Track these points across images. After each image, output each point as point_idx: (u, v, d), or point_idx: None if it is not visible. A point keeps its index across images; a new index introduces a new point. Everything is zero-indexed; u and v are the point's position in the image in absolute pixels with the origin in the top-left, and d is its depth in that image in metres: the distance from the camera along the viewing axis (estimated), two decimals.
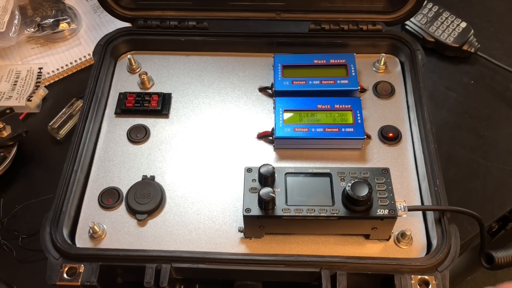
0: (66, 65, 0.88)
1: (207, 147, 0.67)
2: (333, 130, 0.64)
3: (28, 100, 0.82)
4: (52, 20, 0.90)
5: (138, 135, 0.68)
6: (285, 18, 0.75)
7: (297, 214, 0.54)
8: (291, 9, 0.75)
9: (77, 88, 0.83)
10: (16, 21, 0.88)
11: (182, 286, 0.60)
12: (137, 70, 0.75)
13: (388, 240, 0.58)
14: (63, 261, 0.56)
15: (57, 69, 0.88)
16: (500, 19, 0.93)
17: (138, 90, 0.73)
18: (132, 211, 0.61)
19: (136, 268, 0.55)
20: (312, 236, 0.59)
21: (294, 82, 0.69)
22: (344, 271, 0.54)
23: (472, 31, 0.86)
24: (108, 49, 0.74)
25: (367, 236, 0.58)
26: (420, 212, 0.61)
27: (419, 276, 0.54)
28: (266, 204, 0.54)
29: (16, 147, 0.75)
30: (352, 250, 0.58)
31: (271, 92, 0.71)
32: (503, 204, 0.72)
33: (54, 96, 0.85)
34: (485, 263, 0.60)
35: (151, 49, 0.77)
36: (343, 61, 0.71)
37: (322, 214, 0.54)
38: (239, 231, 0.59)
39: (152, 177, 0.64)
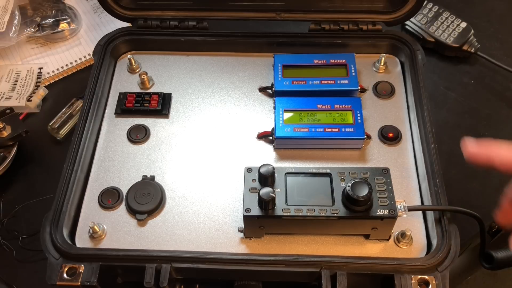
0: (66, 65, 0.88)
1: (207, 147, 0.67)
2: (333, 130, 0.64)
3: (28, 100, 0.82)
4: (52, 20, 0.90)
5: (138, 135, 0.68)
6: (285, 18, 0.75)
7: (297, 214, 0.54)
8: (291, 9, 0.75)
9: (77, 88, 0.83)
10: (16, 21, 0.88)
11: (182, 286, 0.60)
12: (137, 70, 0.75)
13: (388, 240, 0.58)
14: (63, 261, 0.56)
15: (57, 69, 0.88)
16: (500, 19, 0.93)
17: (138, 90, 0.73)
18: (132, 211, 0.61)
19: (136, 268, 0.55)
20: (312, 236, 0.59)
21: (294, 82, 0.69)
22: (344, 271, 0.54)
23: (472, 31, 0.87)
24: (108, 49, 0.74)
25: (367, 236, 0.58)
26: (420, 212, 0.61)
27: (419, 276, 0.54)
28: (266, 204, 0.54)
29: (16, 147, 0.75)
30: (352, 250, 0.58)
31: (271, 92, 0.71)
32: None
33: (54, 96, 0.85)
34: (485, 263, 0.60)
35: (151, 49, 0.77)
36: (343, 61, 0.71)
37: (322, 214, 0.54)
38: (239, 231, 0.59)
39: (152, 177, 0.64)
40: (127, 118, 0.70)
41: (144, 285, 0.54)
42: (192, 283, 0.61)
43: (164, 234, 0.60)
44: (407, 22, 0.88)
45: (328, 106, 0.66)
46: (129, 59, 0.74)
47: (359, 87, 0.68)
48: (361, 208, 0.54)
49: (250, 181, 0.57)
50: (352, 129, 0.64)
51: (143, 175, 0.64)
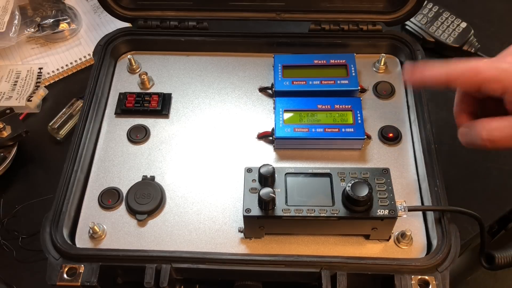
0: (66, 65, 0.88)
1: (207, 147, 0.67)
2: (333, 130, 0.64)
3: (28, 100, 0.82)
4: (52, 20, 0.90)
5: (138, 135, 0.68)
6: (285, 18, 0.75)
7: (297, 214, 0.54)
8: (291, 9, 0.75)
9: (77, 88, 0.83)
10: (16, 21, 0.88)
11: (182, 287, 0.60)
12: (137, 70, 0.75)
13: (388, 240, 0.58)
14: (63, 261, 0.56)
15: (57, 69, 0.88)
16: (500, 19, 0.93)
17: (138, 90, 0.73)
18: (132, 211, 0.61)
19: (136, 268, 0.55)
20: (312, 236, 0.59)
21: (294, 82, 0.69)
22: (344, 271, 0.54)
23: (472, 31, 0.86)
24: (108, 49, 0.74)
25: (367, 237, 0.58)
26: (420, 212, 0.61)
27: (419, 277, 0.54)
28: (266, 204, 0.54)
29: (16, 147, 0.75)
30: (352, 251, 0.58)
31: (271, 92, 0.71)
32: (503, 204, 0.72)
33: (54, 96, 0.85)
34: (485, 263, 0.60)
35: (151, 49, 0.77)
36: (343, 61, 0.71)
37: (322, 215, 0.54)
38: (239, 231, 0.59)
39: (152, 177, 0.64)
40: (127, 118, 0.70)
41: (144, 285, 0.54)
42: (192, 283, 0.61)
43: (164, 235, 0.60)
44: (407, 22, 0.88)
45: (328, 106, 0.66)
46: (129, 59, 0.74)
47: (359, 87, 0.68)
48: (361, 208, 0.54)
49: (250, 181, 0.57)
50: (352, 129, 0.64)
51: (143, 175, 0.64)
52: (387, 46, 0.75)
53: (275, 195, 0.54)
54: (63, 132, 0.79)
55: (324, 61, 0.71)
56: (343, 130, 0.64)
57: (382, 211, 0.54)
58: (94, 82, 0.70)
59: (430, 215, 0.59)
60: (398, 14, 0.73)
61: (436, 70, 0.54)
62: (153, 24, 0.76)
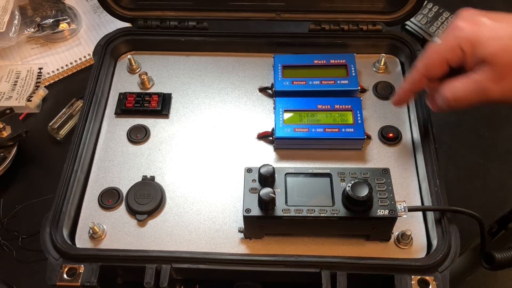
0: (66, 65, 0.88)
1: (207, 148, 0.67)
2: (333, 130, 0.64)
3: (28, 100, 0.82)
4: (52, 20, 0.90)
5: (138, 135, 0.68)
6: (285, 18, 0.75)
7: (297, 214, 0.54)
8: (291, 9, 0.75)
9: (77, 88, 0.83)
10: (16, 21, 0.88)
11: (182, 287, 0.60)
12: (137, 70, 0.75)
13: (388, 240, 0.58)
14: (63, 262, 0.56)
15: (57, 69, 0.88)
16: None
17: (138, 90, 0.73)
18: (132, 212, 0.61)
19: (136, 269, 0.55)
20: (312, 236, 0.59)
21: (294, 82, 0.69)
22: (344, 272, 0.54)
23: None
24: (108, 49, 0.74)
25: (367, 237, 0.58)
26: (420, 213, 0.61)
27: (419, 277, 0.54)
28: (266, 204, 0.54)
29: (16, 147, 0.75)
30: (352, 251, 0.58)
31: (271, 92, 0.71)
32: (503, 204, 0.72)
33: (54, 96, 0.85)
34: (485, 263, 0.60)
35: (151, 49, 0.77)
36: (343, 61, 0.71)
37: (322, 215, 0.54)
38: (239, 231, 0.59)
39: (152, 177, 0.64)
40: (127, 118, 0.70)
41: (144, 285, 0.54)
42: (192, 283, 0.61)
43: (164, 235, 0.60)
44: (407, 22, 0.88)
45: (328, 106, 0.66)
46: (129, 59, 0.74)
47: (359, 87, 0.68)
48: (361, 209, 0.54)
49: (250, 182, 0.57)
50: (352, 129, 0.64)
51: (143, 176, 0.64)
52: (387, 46, 0.75)
53: (275, 195, 0.54)
54: (63, 132, 0.79)
55: (324, 61, 0.71)
56: (343, 130, 0.64)
57: (382, 211, 0.54)
58: (94, 82, 0.70)
59: (430, 215, 0.59)
60: (398, 14, 0.73)
61: (410, 77, 0.59)
62: (153, 24, 0.76)
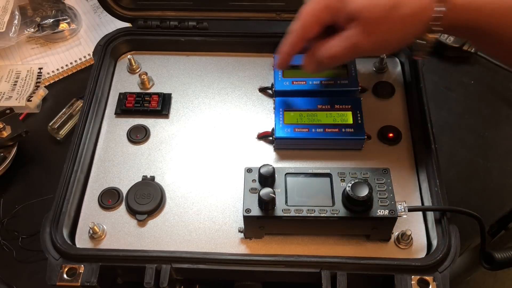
0: (66, 65, 0.89)
1: (207, 148, 0.67)
2: (333, 130, 0.64)
3: (28, 100, 0.82)
4: (52, 20, 0.90)
5: (138, 135, 0.68)
6: (285, 18, 0.75)
7: (297, 214, 0.54)
8: (291, 9, 0.74)
9: (77, 88, 0.83)
10: (16, 21, 0.88)
11: (182, 287, 0.60)
12: (137, 70, 0.75)
13: (388, 240, 0.58)
14: (63, 262, 0.56)
15: (57, 69, 0.88)
16: None
17: (138, 90, 0.73)
18: (132, 212, 0.61)
19: (136, 269, 0.55)
20: (312, 236, 0.59)
21: (294, 83, 0.69)
22: (344, 272, 0.54)
23: None
24: (108, 49, 0.74)
25: (367, 237, 0.58)
26: (420, 213, 0.61)
27: (419, 277, 0.54)
28: (266, 204, 0.54)
29: (16, 147, 0.75)
30: (352, 251, 0.58)
31: (271, 92, 0.71)
32: (503, 204, 0.72)
33: (54, 96, 0.85)
34: (485, 263, 0.60)
35: (151, 49, 0.77)
36: None
37: (322, 215, 0.54)
38: (239, 231, 0.59)
39: (152, 177, 0.64)
40: (127, 118, 0.70)
41: (144, 285, 0.54)
42: (192, 283, 0.61)
43: (164, 235, 0.60)
44: None
45: (328, 106, 0.66)
46: (129, 59, 0.74)
47: (359, 87, 0.68)
48: (361, 209, 0.54)
49: (250, 182, 0.57)
50: (352, 130, 0.64)
51: (143, 176, 0.64)
52: None
53: (275, 195, 0.54)
54: (63, 132, 0.79)
55: None
56: (343, 130, 0.64)
57: (382, 211, 0.54)
58: (94, 82, 0.70)
59: (430, 215, 0.59)
60: None
61: (289, 40, 0.60)
62: (153, 24, 0.76)
